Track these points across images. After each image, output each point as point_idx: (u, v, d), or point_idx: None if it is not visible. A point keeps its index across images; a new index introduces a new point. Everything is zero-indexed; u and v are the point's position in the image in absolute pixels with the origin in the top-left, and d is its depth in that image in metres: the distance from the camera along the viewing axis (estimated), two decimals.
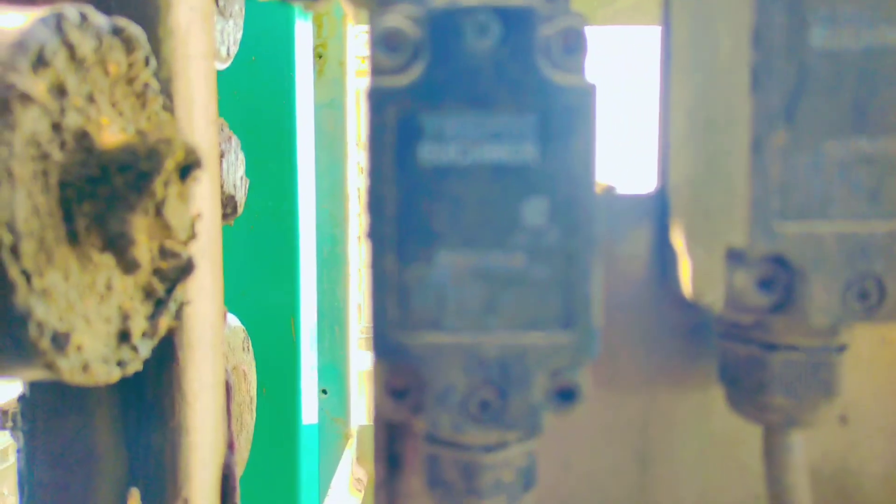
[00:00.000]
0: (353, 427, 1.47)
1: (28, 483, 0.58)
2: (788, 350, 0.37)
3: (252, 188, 0.80)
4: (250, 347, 0.83)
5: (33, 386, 0.57)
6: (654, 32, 0.47)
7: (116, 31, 0.45)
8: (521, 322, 0.33)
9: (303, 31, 1.18)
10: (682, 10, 0.42)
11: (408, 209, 0.32)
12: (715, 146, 0.37)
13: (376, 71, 0.33)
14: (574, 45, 0.33)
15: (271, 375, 1.11)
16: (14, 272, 0.35)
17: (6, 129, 0.35)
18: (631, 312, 0.47)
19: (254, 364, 0.84)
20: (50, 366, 0.39)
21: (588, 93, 0.32)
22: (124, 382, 0.57)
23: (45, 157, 0.38)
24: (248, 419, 0.85)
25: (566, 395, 0.34)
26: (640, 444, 0.47)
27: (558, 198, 0.32)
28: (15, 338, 0.37)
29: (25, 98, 0.36)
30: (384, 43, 0.33)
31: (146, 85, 0.49)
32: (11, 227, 0.35)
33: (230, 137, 0.76)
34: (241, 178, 0.79)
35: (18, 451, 0.59)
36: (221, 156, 0.72)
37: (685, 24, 0.41)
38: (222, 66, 0.78)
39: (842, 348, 0.38)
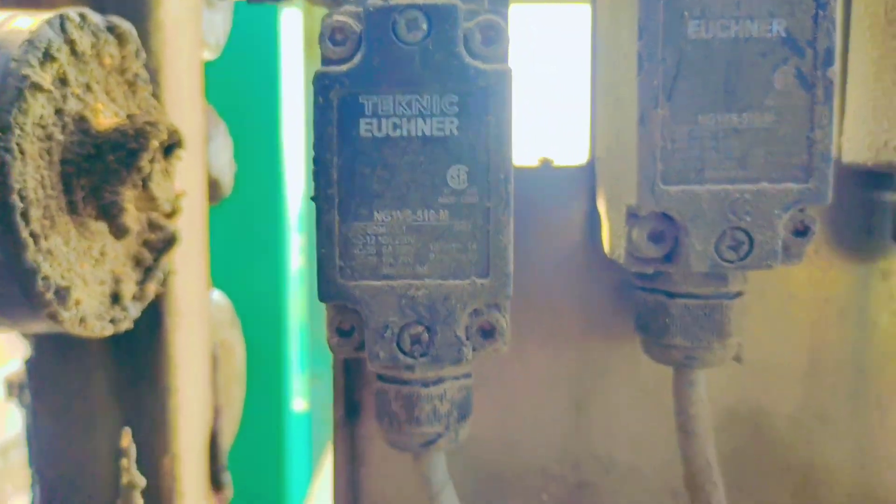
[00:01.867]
0: None
1: (34, 436, 0.67)
2: (686, 297, 0.45)
3: (240, 173, 0.88)
4: (238, 323, 0.92)
5: (38, 348, 0.66)
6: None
7: (110, 29, 0.54)
8: (446, 270, 0.41)
9: (290, 18, 1.26)
10: (602, 4, 0.50)
11: (349, 175, 0.40)
12: (620, 121, 0.45)
13: (324, 60, 0.41)
14: (492, 37, 0.41)
15: (260, 361, 1.19)
16: (24, 233, 0.44)
17: (20, 114, 0.44)
18: (567, 273, 0.55)
19: (242, 340, 0.93)
20: (53, 316, 0.48)
21: (502, 77, 0.40)
22: (118, 346, 0.66)
23: (49, 137, 0.47)
24: (236, 392, 0.93)
25: (487, 333, 0.42)
26: (576, 390, 0.55)
27: (476, 164, 0.40)
28: (24, 289, 0.46)
29: (36, 88, 0.45)
30: (331, 36, 0.41)
31: (136, 75, 0.57)
32: (22, 196, 0.44)
33: (217, 123, 0.84)
34: (229, 161, 0.87)
35: (26, 407, 0.68)
36: (209, 140, 0.80)
37: (605, 14, 0.49)
38: (211, 56, 0.86)
39: (733, 295, 0.46)
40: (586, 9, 0.55)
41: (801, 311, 0.55)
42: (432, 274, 0.41)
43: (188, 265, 0.70)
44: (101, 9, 0.64)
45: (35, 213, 0.45)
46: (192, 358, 0.72)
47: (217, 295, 0.86)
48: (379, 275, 0.41)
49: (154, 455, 0.67)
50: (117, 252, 0.56)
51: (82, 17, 0.51)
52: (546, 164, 0.55)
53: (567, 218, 0.54)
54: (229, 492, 0.79)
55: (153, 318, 0.65)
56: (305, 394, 1.38)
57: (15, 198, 0.44)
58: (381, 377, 0.45)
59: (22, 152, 0.44)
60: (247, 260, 1.19)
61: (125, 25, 0.55)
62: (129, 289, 0.57)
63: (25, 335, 0.67)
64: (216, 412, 0.79)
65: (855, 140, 0.50)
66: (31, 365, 0.67)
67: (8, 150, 0.43)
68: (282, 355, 1.25)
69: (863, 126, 0.49)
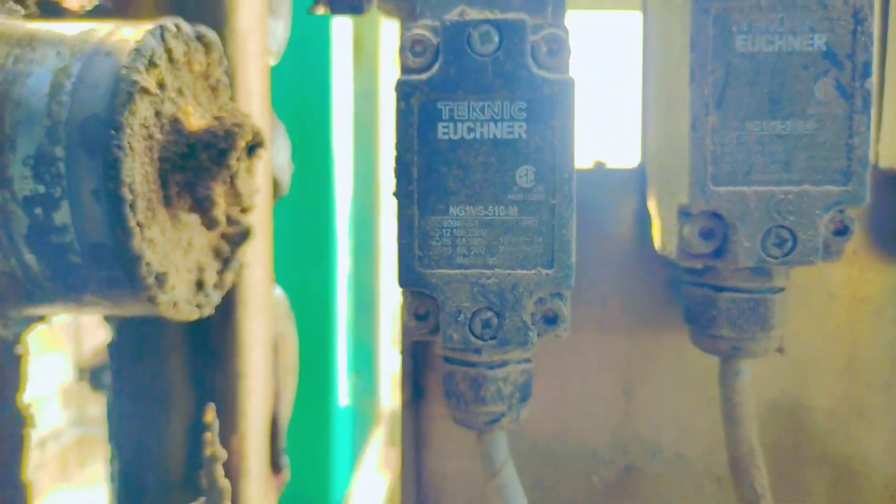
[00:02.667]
0: (384, 410, 1.60)
1: (115, 415, 0.73)
2: (733, 291, 0.50)
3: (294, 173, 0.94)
4: (293, 318, 0.98)
5: (120, 333, 0.73)
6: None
7: (199, 37, 0.60)
8: (514, 261, 0.46)
9: (340, 25, 1.32)
10: (653, 15, 0.54)
11: (427, 173, 0.46)
12: (672, 126, 0.49)
13: (404, 69, 0.46)
14: (556, 49, 0.46)
15: (309, 356, 1.25)
16: (132, 222, 0.50)
17: (130, 115, 0.50)
18: (618, 268, 0.59)
19: (296, 334, 0.99)
20: (153, 299, 0.54)
21: (566, 85, 0.45)
22: (193, 332, 0.72)
23: (150, 136, 0.53)
24: (290, 383, 0.99)
25: (550, 320, 0.47)
26: (626, 378, 0.60)
27: (543, 165, 0.45)
28: (129, 274, 0.52)
29: (143, 91, 0.51)
30: (411, 48, 0.46)
31: (218, 80, 0.64)
32: (131, 189, 0.50)
33: (277, 125, 0.91)
34: (287, 162, 0.94)
35: (105, 388, 0.75)
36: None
37: (655, 27, 0.54)
38: (273, 62, 0.93)
39: (777, 290, 0.50)
40: (637, 16, 0.60)
41: (839, 310, 0.59)
42: (502, 264, 0.46)
43: (256, 259, 0.76)
44: (183, 15, 0.70)
45: (140, 204, 0.51)
46: (257, 345, 0.78)
47: (276, 290, 0.92)
48: (454, 264, 0.46)
49: (223, 434, 0.73)
50: (201, 243, 0.62)
51: (178, 27, 0.57)
52: (600, 166, 0.59)
53: (618, 216, 0.59)
54: (287, 474, 0.85)
55: (226, 307, 0.71)
56: (349, 390, 1.44)
57: (125, 190, 0.50)
58: (449, 360, 0.50)
59: (131, 149, 0.50)
60: (299, 258, 1.25)
61: (211, 35, 0.61)
62: (210, 277, 0.63)
63: (109, 320, 0.74)
64: (276, 398, 0.85)
65: (892, 147, 0.54)
66: (113, 348, 0.74)
67: (121, 147, 0.49)
68: (329, 352, 1.30)
69: None
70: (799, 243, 0.46)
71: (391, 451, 1.58)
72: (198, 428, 0.73)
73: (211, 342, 0.72)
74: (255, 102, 0.77)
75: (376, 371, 1.56)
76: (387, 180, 1.53)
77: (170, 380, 0.72)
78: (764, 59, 0.45)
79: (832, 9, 0.44)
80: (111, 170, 0.49)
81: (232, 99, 0.69)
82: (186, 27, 0.59)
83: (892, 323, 0.59)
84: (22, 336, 0.63)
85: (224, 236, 0.67)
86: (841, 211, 0.46)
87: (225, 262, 0.66)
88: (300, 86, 1.25)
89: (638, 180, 0.58)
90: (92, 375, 0.83)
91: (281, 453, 0.83)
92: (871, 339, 0.59)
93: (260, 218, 0.78)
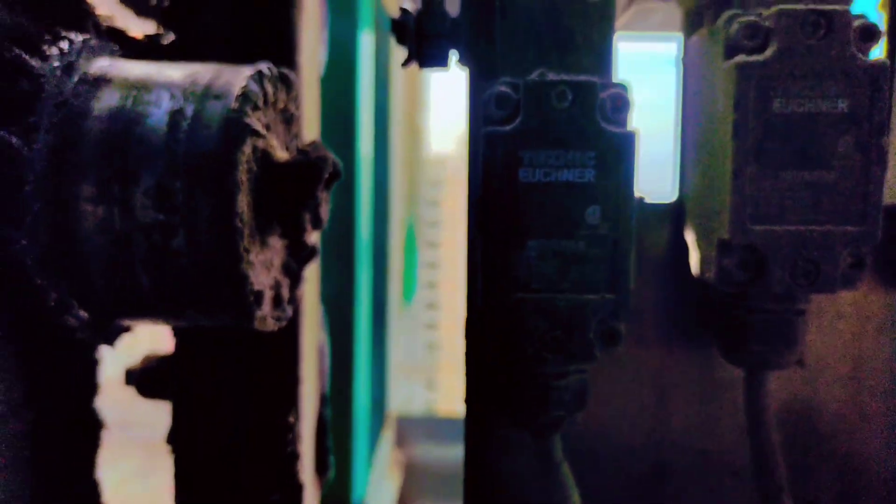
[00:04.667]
0: (392, 413, 1.68)
1: (179, 417, 0.81)
2: (763, 313, 0.59)
3: None
4: (326, 326, 1.06)
5: (184, 341, 0.80)
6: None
7: (282, 78, 0.67)
8: (582, 286, 0.55)
9: (367, 41, 1.39)
10: (693, 73, 0.63)
11: (510, 212, 0.54)
12: (712, 170, 0.58)
13: (488, 121, 0.55)
14: (620, 106, 0.54)
15: (333, 359, 1.32)
16: (241, 248, 0.58)
17: (240, 153, 0.57)
18: (656, 289, 0.68)
19: (328, 342, 1.07)
20: (249, 315, 0.61)
21: (629, 138, 0.54)
22: (257, 340, 0.80)
23: (250, 170, 0.61)
24: (324, 388, 1.07)
25: (611, 337, 0.56)
26: (660, 386, 0.69)
27: (608, 206, 0.54)
28: (235, 293, 0.59)
29: (253, 133, 0.58)
30: (495, 102, 0.55)
31: (292, 114, 0.71)
32: (241, 218, 0.58)
33: None
34: None
35: (173, 393, 0.82)
36: None
37: (695, 83, 0.63)
38: None
39: (800, 312, 0.59)
40: (670, 48, 0.69)
41: (846, 327, 0.68)
42: (571, 290, 0.55)
43: (310, 275, 0.84)
44: (256, 58, 0.78)
45: (246, 231, 0.59)
46: (311, 352, 0.85)
47: None
48: (530, 289, 0.55)
49: (281, 431, 0.80)
50: (278, 262, 0.70)
51: (270, 70, 0.64)
52: (640, 200, 0.68)
53: (657, 244, 0.68)
54: (330, 474, 0.93)
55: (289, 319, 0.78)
56: (368, 395, 1.51)
57: (237, 220, 0.57)
58: (518, 370, 0.59)
59: (241, 183, 0.58)
60: (324, 265, 1.32)
61: (291, 76, 0.69)
62: (285, 293, 0.71)
63: (176, 330, 0.81)
64: (322, 401, 0.92)
65: (891, 185, 0.64)
66: (177, 355, 0.81)
67: (235, 182, 0.57)
68: (352, 359, 1.38)
69: None
70: (822, 274, 0.55)
71: (399, 452, 1.66)
72: (260, 430, 0.80)
73: (274, 349, 0.80)
74: (312, 129, 0.85)
75: (388, 371, 1.63)
76: (398, 199, 1.61)
77: (234, 385, 0.80)
78: (796, 119, 0.54)
79: (853, 78, 0.54)
80: (226, 202, 0.56)
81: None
82: (274, 70, 0.66)
83: (892, 339, 0.69)
84: (101, 343, 0.70)
85: (293, 255, 0.75)
86: (857, 247, 0.55)
87: (294, 278, 0.74)
88: (328, 95, 1.31)
89: (672, 213, 0.67)
90: (139, 381, 0.90)
91: (327, 454, 0.91)
92: (874, 352, 0.69)
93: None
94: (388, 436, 1.68)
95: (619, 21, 0.66)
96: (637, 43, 1.02)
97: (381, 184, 1.57)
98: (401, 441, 1.76)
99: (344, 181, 1.45)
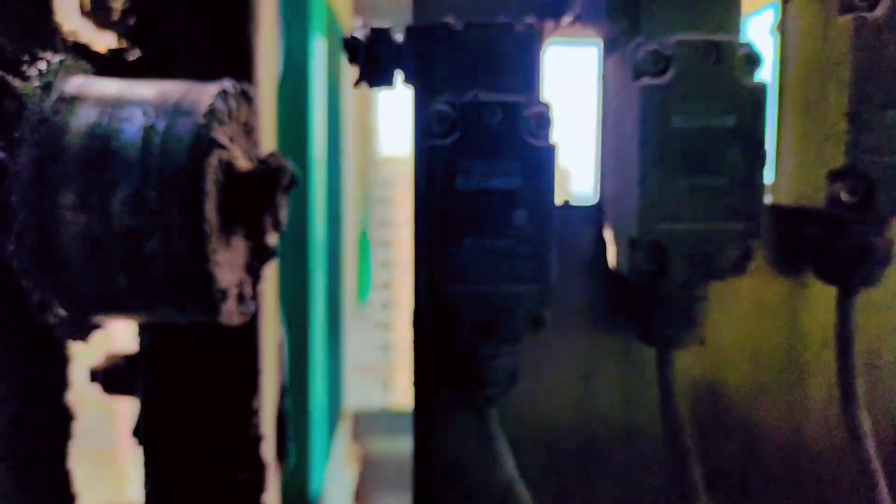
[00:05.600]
0: (349, 409, 1.75)
1: (148, 411, 0.87)
2: (668, 299, 0.69)
3: None
4: (283, 321, 1.13)
5: (154, 337, 0.87)
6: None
7: (243, 94, 0.75)
8: (511, 278, 0.63)
9: (319, 49, 1.46)
10: (609, 90, 0.73)
11: (448, 214, 0.63)
12: (625, 177, 0.68)
13: (430, 135, 0.63)
14: (542, 122, 0.63)
15: (291, 354, 1.39)
16: (209, 250, 0.65)
17: (208, 164, 0.65)
18: (580, 281, 0.77)
19: (286, 336, 1.14)
20: (216, 310, 0.68)
21: (550, 151, 0.63)
22: (222, 334, 0.87)
23: (217, 179, 0.68)
24: (283, 381, 1.14)
25: (536, 322, 0.65)
26: (585, 366, 0.78)
27: (532, 209, 0.63)
28: (203, 291, 0.66)
29: (219, 146, 0.65)
30: (435, 119, 0.63)
31: (252, 126, 0.78)
32: (208, 223, 0.65)
33: None
34: None
35: (141, 389, 0.88)
36: None
37: (611, 100, 0.72)
38: None
39: (700, 298, 0.69)
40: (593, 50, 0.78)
41: (747, 310, 0.79)
42: (502, 282, 0.63)
43: (269, 272, 0.91)
44: (220, 74, 0.85)
45: (213, 235, 0.66)
46: (271, 345, 0.93)
47: None
48: (466, 281, 0.63)
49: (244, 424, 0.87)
50: (241, 263, 0.77)
51: (233, 88, 0.71)
52: (567, 203, 0.78)
53: (582, 242, 0.77)
54: (291, 459, 1.00)
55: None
56: (324, 390, 1.58)
57: (206, 225, 0.64)
58: (457, 352, 0.67)
59: (208, 192, 0.65)
60: (281, 261, 1.39)
61: (252, 91, 0.76)
62: (248, 290, 0.78)
63: (142, 328, 0.88)
64: (281, 392, 1.00)
65: (784, 190, 0.74)
66: (147, 351, 0.87)
67: (203, 191, 0.64)
68: (308, 354, 1.44)
69: (788, 181, 0.73)
70: (715, 265, 0.65)
71: (356, 445, 1.73)
72: (225, 417, 0.87)
73: (237, 343, 0.87)
74: (268, 138, 0.92)
75: (343, 369, 1.70)
76: (350, 200, 1.67)
77: (199, 378, 0.86)
78: (692, 133, 0.63)
79: (739, 97, 0.63)
80: (195, 209, 0.63)
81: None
82: (237, 86, 0.73)
83: (786, 321, 0.80)
84: (76, 339, 0.76)
85: (255, 256, 0.82)
86: (744, 241, 0.65)
87: (256, 276, 0.81)
88: (281, 100, 1.38)
89: (594, 215, 0.76)
90: (105, 378, 0.96)
91: (285, 442, 0.99)
92: (770, 333, 0.79)
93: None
94: (344, 430, 1.75)
95: (547, 41, 0.75)
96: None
97: (335, 185, 1.64)
98: (358, 436, 1.83)
99: (299, 185, 1.52)
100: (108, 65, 0.85)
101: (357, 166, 2.94)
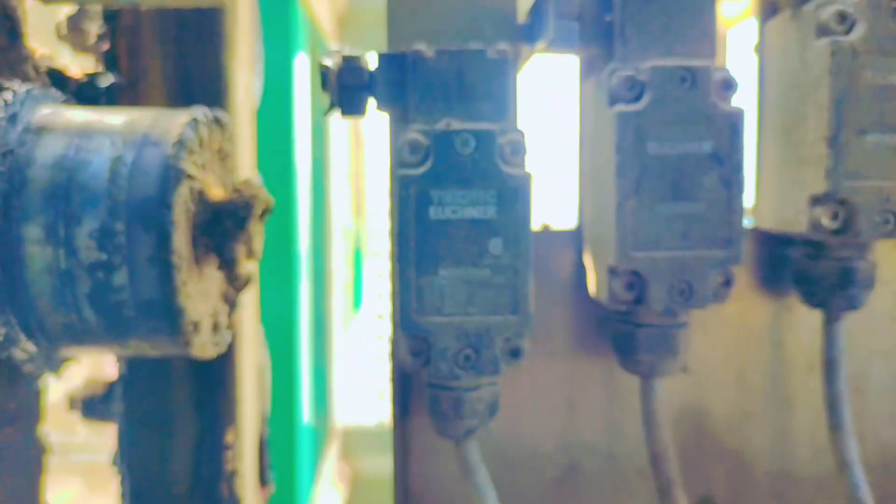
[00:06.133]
0: (338, 427, 1.73)
1: (126, 439, 0.86)
2: (649, 327, 0.68)
3: None
4: (267, 346, 1.11)
5: (131, 367, 0.85)
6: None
7: (216, 120, 0.74)
8: (488, 309, 0.62)
9: (301, 65, 1.45)
10: (587, 115, 0.72)
11: (422, 244, 0.61)
12: (601, 203, 0.67)
13: (402, 164, 0.62)
14: (516, 150, 0.62)
15: (276, 379, 1.38)
16: (178, 282, 0.64)
17: (177, 196, 0.63)
18: (562, 307, 0.76)
19: (269, 360, 1.12)
20: (188, 343, 0.67)
21: (526, 179, 0.62)
22: (198, 364, 0.86)
23: (188, 210, 0.67)
24: (267, 405, 1.13)
25: (514, 353, 0.64)
26: (568, 393, 0.77)
27: (508, 238, 0.62)
28: (174, 324, 0.65)
29: (188, 177, 0.64)
30: (408, 148, 0.62)
31: (226, 152, 0.77)
32: (178, 255, 0.64)
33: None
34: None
35: (119, 416, 0.87)
36: None
37: (589, 126, 0.71)
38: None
39: (681, 325, 0.68)
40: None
41: (730, 335, 0.78)
42: (478, 313, 0.62)
43: (249, 300, 0.90)
44: (194, 100, 0.84)
45: (183, 266, 0.65)
46: (250, 374, 0.91)
47: None
48: (442, 313, 0.62)
49: (224, 454, 0.86)
50: (215, 291, 0.76)
51: (204, 115, 0.70)
52: (546, 228, 0.77)
53: (561, 267, 0.76)
54: (273, 487, 0.99)
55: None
56: (311, 409, 1.56)
57: (175, 257, 0.63)
58: (434, 385, 0.66)
59: (177, 223, 0.64)
60: (265, 286, 1.37)
61: (225, 117, 0.75)
62: (223, 320, 0.77)
63: (121, 357, 0.86)
64: (263, 420, 0.98)
65: (765, 214, 0.74)
66: (125, 381, 0.86)
67: (172, 222, 0.63)
68: (293, 374, 1.43)
69: (770, 205, 0.72)
70: (695, 293, 0.64)
71: (344, 465, 1.71)
72: (200, 448, 0.86)
73: (213, 372, 0.86)
74: (247, 162, 0.91)
75: (329, 390, 1.69)
76: (338, 214, 1.67)
77: (176, 407, 0.85)
78: (668, 159, 0.63)
79: (716, 122, 0.62)
80: (164, 241, 0.62)
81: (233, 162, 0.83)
82: (209, 114, 0.72)
83: (771, 345, 0.79)
84: (48, 374, 0.75)
85: (230, 283, 0.81)
86: (725, 268, 0.64)
87: (231, 305, 0.80)
88: (265, 118, 1.37)
89: (575, 239, 0.75)
90: (84, 405, 0.95)
91: (267, 468, 0.97)
92: (755, 358, 0.78)
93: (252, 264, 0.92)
94: (333, 449, 1.73)
95: (521, 67, 0.74)
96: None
97: (320, 201, 1.63)
98: (347, 453, 1.81)
99: (282, 200, 1.51)
100: (82, 90, 0.84)
101: (349, 177, 2.93)
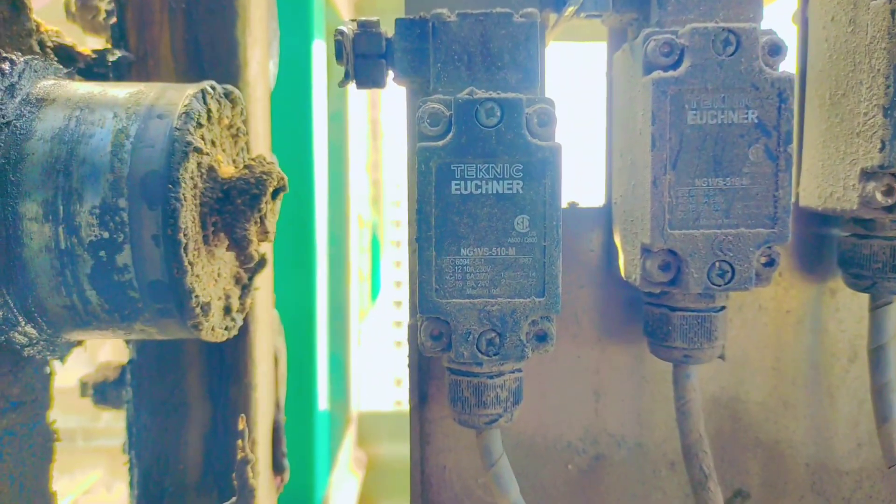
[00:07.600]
0: (354, 412, 1.69)
1: (135, 426, 0.81)
2: (684, 311, 0.62)
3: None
4: (283, 332, 1.07)
5: (140, 352, 0.81)
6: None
7: (227, 95, 0.68)
8: (513, 291, 0.57)
9: (319, 50, 1.40)
10: (618, 86, 0.66)
11: (443, 221, 0.56)
12: (635, 180, 0.61)
13: (422, 136, 0.57)
14: (545, 120, 0.57)
15: (292, 365, 1.33)
16: (186, 262, 0.59)
17: (184, 171, 0.58)
18: (589, 290, 0.71)
19: (285, 345, 1.08)
20: (197, 326, 0.62)
21: (554, 151, 0.56)
22: (209, 349, 0.81)
23: (195, 186, 0.62)
24: (283, 391, 1.08)
25: (541, 338, 0.58)
26: (595, 381, 0.72)
27: (536, 214, 0.56)
28: (181, 306, 0.60)
29: (196, 150, 0.59)
30: (428, 119, 0.57)
31: (239, 129, 0.72)
32: (185, 233, 0.59)
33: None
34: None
35: (127, 402, 0.82)
36: None
37: (619, 97, 0.65)
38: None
39: (718, 309, 0.62)
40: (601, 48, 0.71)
41: (768, 321, 0.72)
42: (503, 294, 0.57)
43: (264, 283, 0.85)
44: (206, 75, 0.79)
45: (191, 245, 0.60)
46: (264, 359, 0.87)
47: None
48: (464, 295, 0.57)
49: (237, 442, 0.81)
50: (227, 273, 0.71)
51: (213, 88, 0.65)
52: (573, 205, 0.71)
53: (588, 247, 0.70)
54: (287, 476, 0.94)
55: (241, 326, 0.79)
56: (328, 396, 1.52)
57: (182, 235, 0.58)
58: (455, 371, 0.61)
59: (184, 200, 0.59)
60: (283, 272, 1.33)
61: (236, 92, 0.70)
62: (234, 303, 0.72)
63: (130, 341, 0.82)
64: (277, 406, 0.94)
65: (809, 190, 0.67)
66: (134, 366, 0.82)
67: (178, 199, 0.58)
68: (311, 362, 1.39)
69: (814, 181, 0.66)
70: (737, 274, 0.58)
71: (361, 451, 1.67)
72: (213, 435, 0.81)
73: (227, 358, 0.81)
74: (261, 142, 0.86)
75: (347, 376, 1.64)
76: (356, 203, 1.62)
77: (188, 393, 0.81)
78: (709, 130, 0.57)
79: (762, 90, 0.57)
80: (170, 218, 0.57)
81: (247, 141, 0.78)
82: (219, 88, 0.67)
83: (811, 330, 0.73)
84: (52, 359, 0.70)
85: (243, 265, 0.76)
86: (769, 247, 0.58)
87: (244, 288, 0.75)
88: (282, 105, 1.32)
89: (604, 217, 0.70)
90: (95, 391, 0.90)
91: (282, 457, 0.92)
92: (793, 344, 0.72)
93: (266, 246, 0.87)
94: (350, 435, 1.69)
95: (550, 36, 0.69)
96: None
97: (339, 190, 1.58)
98: (364, 439, 1.77)
99: (300, 188, 1.46)
100: (90, 66, 0.80)
101: (367, 166, 2.89)
